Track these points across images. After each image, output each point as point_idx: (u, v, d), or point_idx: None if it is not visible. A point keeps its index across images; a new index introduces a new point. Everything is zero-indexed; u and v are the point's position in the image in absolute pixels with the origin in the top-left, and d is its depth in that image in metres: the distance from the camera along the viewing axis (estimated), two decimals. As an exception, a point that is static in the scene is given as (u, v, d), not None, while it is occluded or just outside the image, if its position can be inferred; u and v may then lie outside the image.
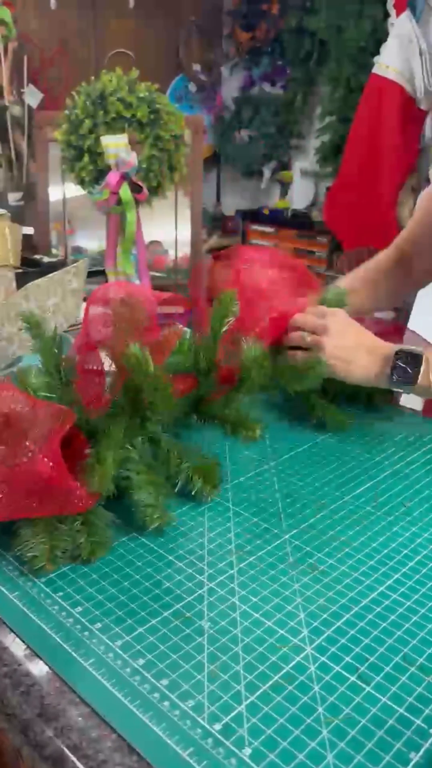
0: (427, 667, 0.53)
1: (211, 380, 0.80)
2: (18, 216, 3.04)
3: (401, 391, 0.86)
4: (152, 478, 0.71)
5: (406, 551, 0.67)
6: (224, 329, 0.79)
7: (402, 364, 0.83)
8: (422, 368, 0.83)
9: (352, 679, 0.52)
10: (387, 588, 0.62)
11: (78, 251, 3.23)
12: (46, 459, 0.61)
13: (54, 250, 3.12)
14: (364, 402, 0.99)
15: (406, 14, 2.76)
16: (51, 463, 0.61)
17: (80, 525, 0.65)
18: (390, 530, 0.71)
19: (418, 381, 0.83)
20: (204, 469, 0.75)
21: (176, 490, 0.74)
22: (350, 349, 0.85)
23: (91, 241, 3.11)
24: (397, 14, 2.81)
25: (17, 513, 0.62)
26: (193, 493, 0.74)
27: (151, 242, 3.24)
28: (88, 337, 0.76)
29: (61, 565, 0.62)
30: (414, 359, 0.84)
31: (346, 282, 1.14)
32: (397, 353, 0.84)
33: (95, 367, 0.75)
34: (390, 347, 0.85)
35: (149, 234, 3.10)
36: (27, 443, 0.64)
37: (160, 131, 2.50)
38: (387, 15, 2.93)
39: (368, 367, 0.85)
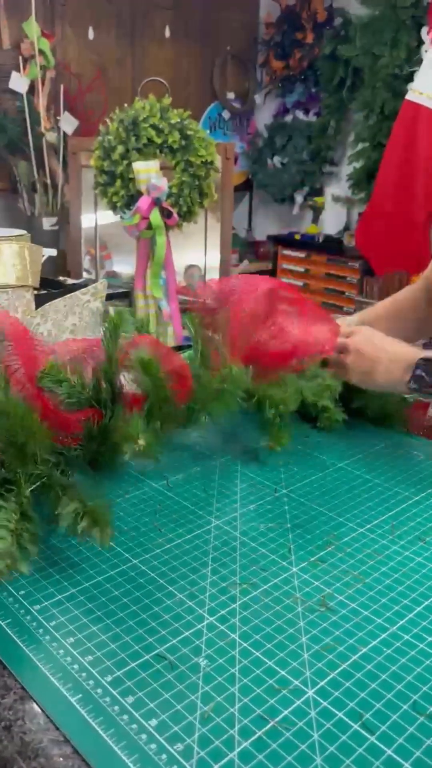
0: (438, 718, 0.49)
1: (118, 408, 0.76)
2: (53, 240, 3.08)
3: (423, 399, 0.87)
4: (16, 525, 0.60)
5: (422, 589, 0.63)
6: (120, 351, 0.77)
7: (421, 372, 0.84)
8: None
9: (355, 727, 0.48)
10: (399, 628, 0.58)
11: (113, 275, 3.25)
12: None
13: (86, 274, 3.15)
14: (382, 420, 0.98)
15: (441, 41, 2.75)
16: None
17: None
18: (406, 566, 0.67)
19: None
20: (93, 512, 0.64)
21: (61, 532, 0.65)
22: (370, 360, 0.89)
23: (126, 266, 3.14)
24: (432, 41, 2.80)
25: None
26: (80, 533, 0.63)
27: (190, 266, 3.25)
28: None
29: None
30: None
31: (371, 310, 1.13)
32: (418, 361, 0.84)
33: None
34: (414, 355, 0.86)
35: (184, 258, 3.12)
36: None
37: (191, 157, 2.52)
38: (421, 42, 2.93)
39: (389, 374, 0.87)
